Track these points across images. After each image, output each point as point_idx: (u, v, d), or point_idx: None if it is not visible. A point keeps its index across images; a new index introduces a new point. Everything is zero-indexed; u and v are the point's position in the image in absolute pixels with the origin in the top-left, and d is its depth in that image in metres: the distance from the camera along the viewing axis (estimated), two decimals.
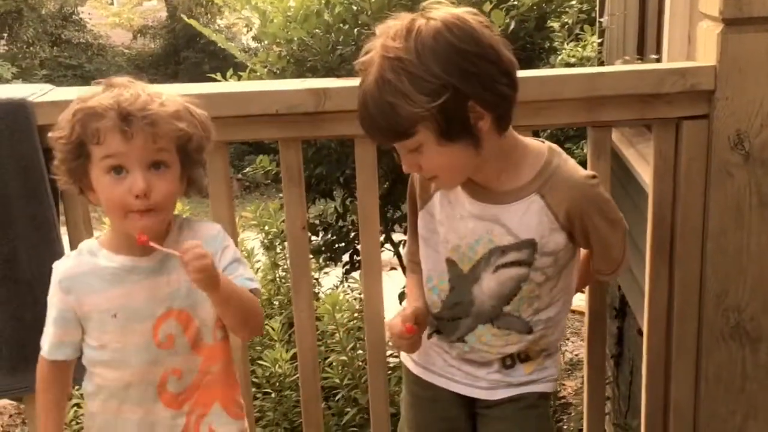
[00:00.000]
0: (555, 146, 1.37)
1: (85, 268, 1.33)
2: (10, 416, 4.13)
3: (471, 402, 1.47)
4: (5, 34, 11.75)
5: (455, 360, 1.46)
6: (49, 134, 1.29)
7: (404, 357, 1.55)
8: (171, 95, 1.31)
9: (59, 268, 1.34)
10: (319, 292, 3.25)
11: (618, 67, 2.02)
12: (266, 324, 2.75)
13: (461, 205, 1.37)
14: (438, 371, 1.48)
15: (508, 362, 1.43)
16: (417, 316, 1.41)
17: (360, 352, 2.59)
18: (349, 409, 2.53)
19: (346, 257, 3.49)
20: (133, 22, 14.03)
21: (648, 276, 1.65)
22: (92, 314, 1.32)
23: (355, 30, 3.07)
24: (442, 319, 1.44)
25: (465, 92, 1.20)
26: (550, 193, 1.31)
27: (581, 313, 4.65)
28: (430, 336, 1.47)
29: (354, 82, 1.59)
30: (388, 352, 2.00)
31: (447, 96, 1.19)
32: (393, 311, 1.83)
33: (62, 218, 1.68)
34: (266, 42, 3.40)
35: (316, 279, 3.35)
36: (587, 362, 1.73)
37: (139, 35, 13.43)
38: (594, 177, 1.35)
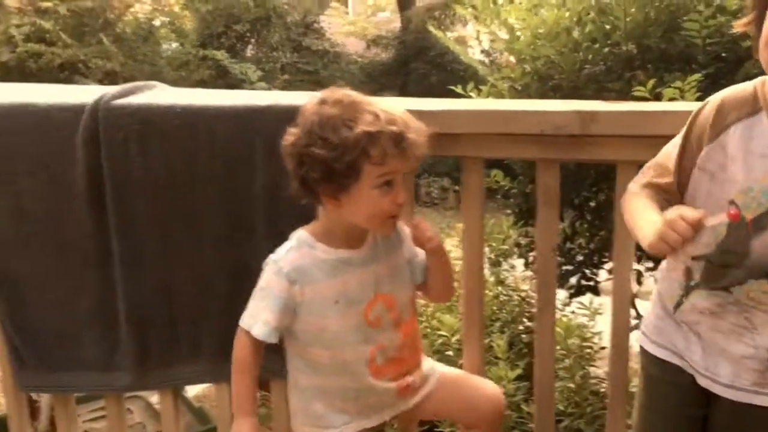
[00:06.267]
0: None
1: (308, 260, 1.49)
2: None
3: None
4: (253, 39, 12.66)
5: (707, 329, 1.32)
6: (316, 151, 1.38)
7: (641, 338, 1.47)
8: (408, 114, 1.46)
9: (284, 260, 1.50)
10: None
11: None
12: (489, 340, 2.74)
13: (765, 141, 1.23)
14: (675, 350, 1.38)
15: None
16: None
17: (590, 380, 2.51)
18: None
19: (572, 280, 3.40)
20: (367, 31, 14.59)
21: None
22: (312, 302, 1.49)
23: (605, 49, 2.99)
24: (710, 262, 1.31)
25: None
26: None
27: None
28: (676, 307, 1.37)
29: (623, 106, 1.55)
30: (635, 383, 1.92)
31: None
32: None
33: None
34: (506, 56, 3.39)
35: None
36: None
37: (372, 45, 13.95)
38: None
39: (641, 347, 1.47)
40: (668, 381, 1.41)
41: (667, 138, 1.39)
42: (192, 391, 4.33)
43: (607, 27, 2.98)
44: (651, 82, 2.52)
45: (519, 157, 1.67)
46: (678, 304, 1.37)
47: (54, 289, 1.82)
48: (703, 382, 1.35)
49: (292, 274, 1.48)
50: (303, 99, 1.68)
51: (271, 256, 1.51)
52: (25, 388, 1.95)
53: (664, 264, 1.43)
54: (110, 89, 1.76)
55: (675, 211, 1.25)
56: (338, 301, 1.49)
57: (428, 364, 1.69)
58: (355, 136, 1.36)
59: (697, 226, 1.23)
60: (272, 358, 1.64)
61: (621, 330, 1.65)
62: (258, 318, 1.50)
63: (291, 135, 1.45)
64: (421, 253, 1.60)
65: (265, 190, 1.69)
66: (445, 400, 1.68)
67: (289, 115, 1.64)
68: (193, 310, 1.78)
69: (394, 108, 1.44)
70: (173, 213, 1.74)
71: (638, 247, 3.25)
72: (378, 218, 1.45)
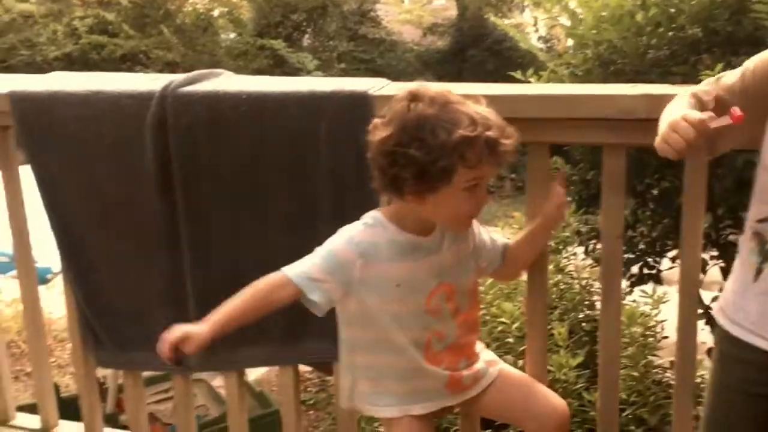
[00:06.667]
0: None
1: (380, 238, 1.48)
2: None
3: None
4: (310, 28, 12.76)
5: None
6: (412, 152, 1.35)
7: (717, 313, 1.44)
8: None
9: (358, 232, 1.49)
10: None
11: None
12: (550, 328, 2.72)
13: None
14: (751, 327, 1.35)
15: None
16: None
17: (652, 370, 2.48)
18: (633, 427, 2.44)
19: (634, 269, 3.36)
20: (423, 19, 14.56)
21: None
22: (374, 280, 1.48)
23: (670, 33, 2.93)
24: None
25: None
26: None
27: None
28: (756, 275, 1.33)
29: (688, 89, 1.52)
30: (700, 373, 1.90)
31: None
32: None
33: None
34: (563, 42, 3.37)
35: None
36: None
37: (428, 32, 13.92)
38: None
39: (716, 324, 1.45)
40: (743, 359, 1.38)
41: None
42: (252, 375, 4.41)
43: (672, 10, 2.93)
44: (719, 66, 2.47)
45: (585, 142, 1.66)
46: (758, 272, 1.34)
47: (126, 271, 1.88)
48: None
49: (363, 246, 1.47)
50: (366, 85, 1.69)
51: (346, 226, 1.49)
52: (101, 366, 2.03)
53: (741, 237, 1.41)
54: (177, 77, 1.80)
55: (680, 113, 1.25)
56: (400, 285, 1.48)
57: (483, 362, 1.64)
58: (454, 140, 1.34)
59: (700, 128, 1.22)
60: (327, 347, 1.66)
61: (688, 319, 1.62)
62: (305, 270, 1.47)
63: (381, 131, 1.40)
64: (496, 242, 1.61)
65: (329, 175, 1.70)
66: (507, 401, 1.64)
67: (352, 100, 1.67)
68: None
69: (487, 110, 1.40)
70: (239, 198, 1.77)
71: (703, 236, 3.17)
72: (459, 218, 1.46)
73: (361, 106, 1.65)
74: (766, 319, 1.33)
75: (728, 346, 1.41)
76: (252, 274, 1.80)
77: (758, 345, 1.35)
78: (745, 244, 1.37)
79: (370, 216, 1.52)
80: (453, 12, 14.22)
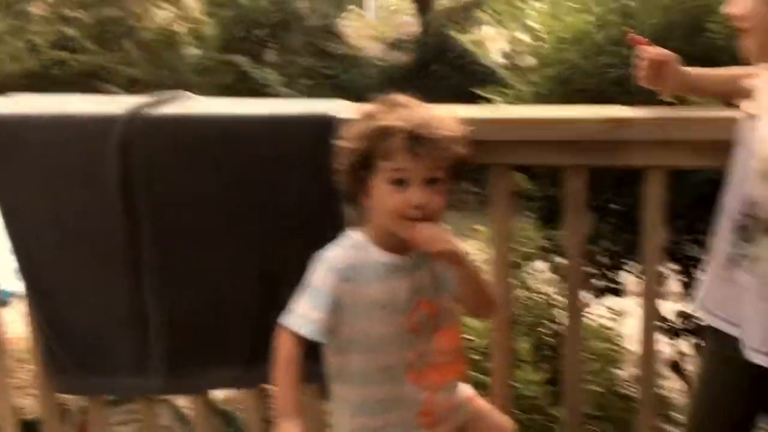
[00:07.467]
0: None
1: (362, 260, 1.48)
2: None
3: None
4: (274, 44, 12.72)
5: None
6: (339, 143, 1.47)
7: (699, 309, 1.49)
8: (451, 119, 1.46)
9: (336, 258, 1.48)
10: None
11: None
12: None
13: None
14: (732, 319, 1.38)
15: None
16: None
17: (615, 384, 2.51)
18: None
19: (597, 283, 3.39)
20: (386, 35, 14.59)
21: None
22: (359, 304, 1.47)
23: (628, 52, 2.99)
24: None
25: None
26: None
27: None
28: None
29: (653, 112, 1.56)
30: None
31: None
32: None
33: None
34: (525, 59, 3.41)
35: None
36: None
37: (392, 48, 13.95)
38: None
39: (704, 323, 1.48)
40: (718, 352, 1.44)
41: (696, 143, 1.42)
42: (220, 394, 4.36)
43: (631, 30, 2.99)
44: None
45: (547, 163, 1.69)
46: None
47: (89, 296, 1.85)
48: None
49: (347, 272, 1.46)
50: (338, 107, 1.70)
51: (324, 253, 1.49)
52: (63, 392, 2.00)
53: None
54: (144, 99, 1.79)
55: None
56: (386, 306, 1.48)
57: (461, 396, 1.64)
58: (367, 128, 1.41)
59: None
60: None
61: (650, 332, 1.66)
62: (307, 317, 1.45)
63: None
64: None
65: (298, 199, 1.71)
66: None
67: (322, 123, 1.68)
68: (225, 315, 1.81)
69: (429, 110, 1.44)
70: (205, 221, 1.76)
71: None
72: (393, 216, 1.42)
73: (325, 128, 1.66)
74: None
75: (714, 343, 1.47)
76: (217, 298, 1.81)
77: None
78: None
79: (349, 237, 1.52)
80: (417, 28, 14.31)
